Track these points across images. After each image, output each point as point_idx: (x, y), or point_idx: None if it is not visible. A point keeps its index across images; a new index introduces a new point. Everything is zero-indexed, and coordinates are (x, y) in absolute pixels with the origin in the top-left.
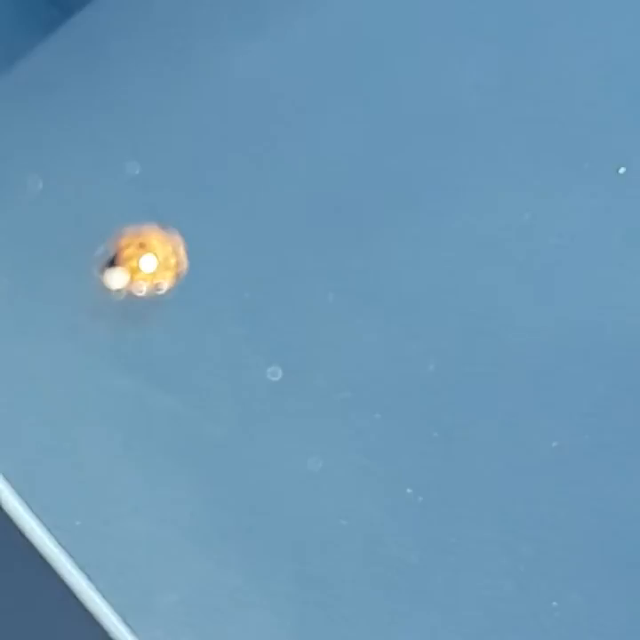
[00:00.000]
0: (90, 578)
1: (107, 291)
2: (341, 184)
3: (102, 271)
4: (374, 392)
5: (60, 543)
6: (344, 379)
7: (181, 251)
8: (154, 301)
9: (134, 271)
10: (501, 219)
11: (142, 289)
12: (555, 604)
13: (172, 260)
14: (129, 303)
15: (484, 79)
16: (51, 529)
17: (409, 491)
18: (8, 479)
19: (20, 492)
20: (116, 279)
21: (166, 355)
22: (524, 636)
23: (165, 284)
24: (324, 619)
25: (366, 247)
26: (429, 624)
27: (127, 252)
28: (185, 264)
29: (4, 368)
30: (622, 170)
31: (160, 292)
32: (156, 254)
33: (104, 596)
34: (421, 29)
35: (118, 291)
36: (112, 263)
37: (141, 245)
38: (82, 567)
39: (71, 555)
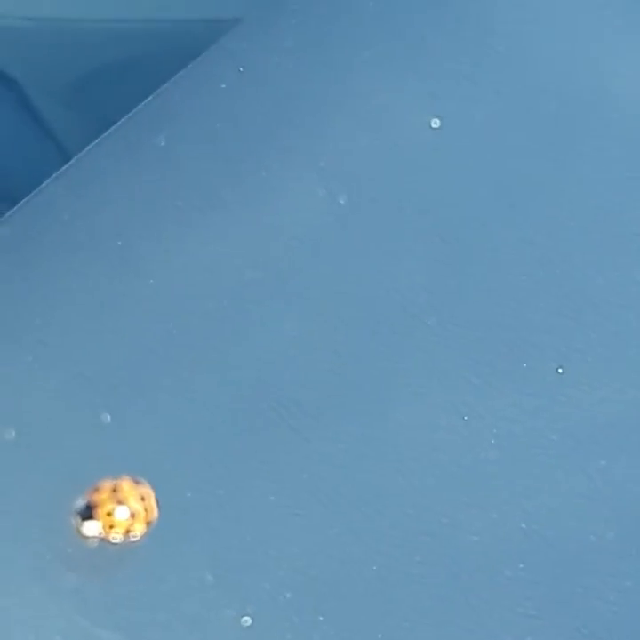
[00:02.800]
0: None
1: (81, 538)
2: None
3: (79, 520)
4: (317, 593)
5: None
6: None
7: (152, 501)
8: (126, 549)
9: (109, 521)
10: (437, 419)
11: (117, 537)
12: None
13: (143, 509)
14: (101, 550)
15: (425, 278)
16: None
17: None
18: None
19: None
20: (92, 528)
21: (136, 604)
22: None
23: (138, 532)
24: None
25: (303, 446)
26: None
27: (102, 503)
28: (155, 513)
29: None
30: (560, 370)
31: (133, 540)
32: (129, 505)
33: None
34: (366, 227)
35: (93, 539)
36: (88, 513)
37: (115, 496)
38: None
39: None
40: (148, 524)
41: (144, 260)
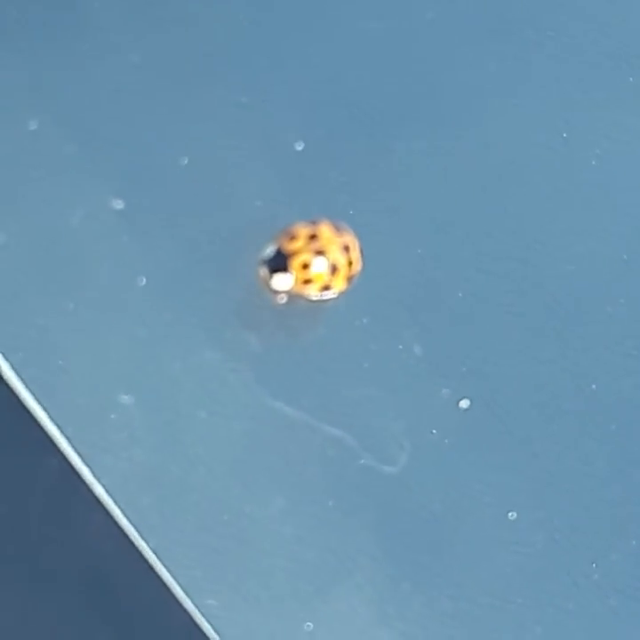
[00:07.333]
0: None
1: (268, 292)
2: None
3: (268, 272)
4: None
5: None
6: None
7: (356, 252)
8: (319, 309)
9: (304, 274)
10: (534, 134)
11: (312, 294)
12: None
13: (346, 262)
14: (289, 308)
15: None
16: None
17: None
18: None
19: None
20: (284, 282)
21: (327, 367)
22: None
23: (337, 289)
24: None
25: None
26: None
27: (298, 253)
28: (359, 266)
29: (146, 369)
30: None
31: (331, 297)
32: (328, 256)
33: None
34: None
35: (282, 294)
36: (281, 263)
37: (313, 246)
38: None
39: None
40: (350, 279)
41: None
